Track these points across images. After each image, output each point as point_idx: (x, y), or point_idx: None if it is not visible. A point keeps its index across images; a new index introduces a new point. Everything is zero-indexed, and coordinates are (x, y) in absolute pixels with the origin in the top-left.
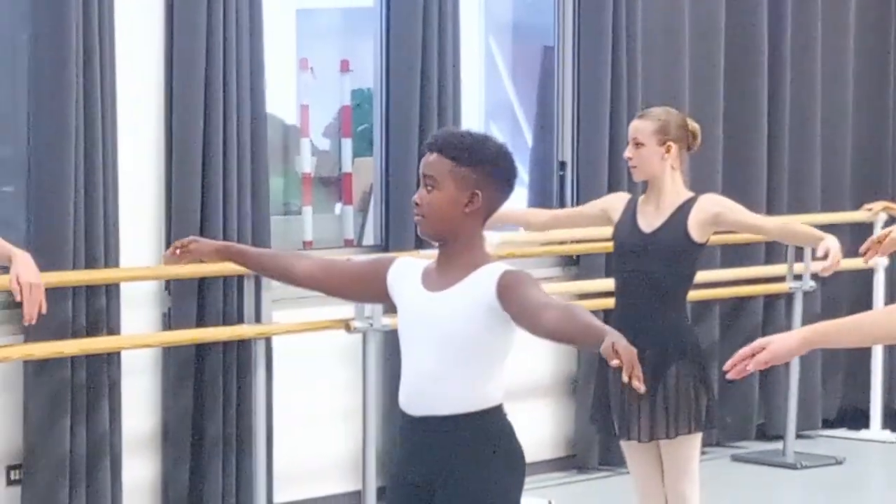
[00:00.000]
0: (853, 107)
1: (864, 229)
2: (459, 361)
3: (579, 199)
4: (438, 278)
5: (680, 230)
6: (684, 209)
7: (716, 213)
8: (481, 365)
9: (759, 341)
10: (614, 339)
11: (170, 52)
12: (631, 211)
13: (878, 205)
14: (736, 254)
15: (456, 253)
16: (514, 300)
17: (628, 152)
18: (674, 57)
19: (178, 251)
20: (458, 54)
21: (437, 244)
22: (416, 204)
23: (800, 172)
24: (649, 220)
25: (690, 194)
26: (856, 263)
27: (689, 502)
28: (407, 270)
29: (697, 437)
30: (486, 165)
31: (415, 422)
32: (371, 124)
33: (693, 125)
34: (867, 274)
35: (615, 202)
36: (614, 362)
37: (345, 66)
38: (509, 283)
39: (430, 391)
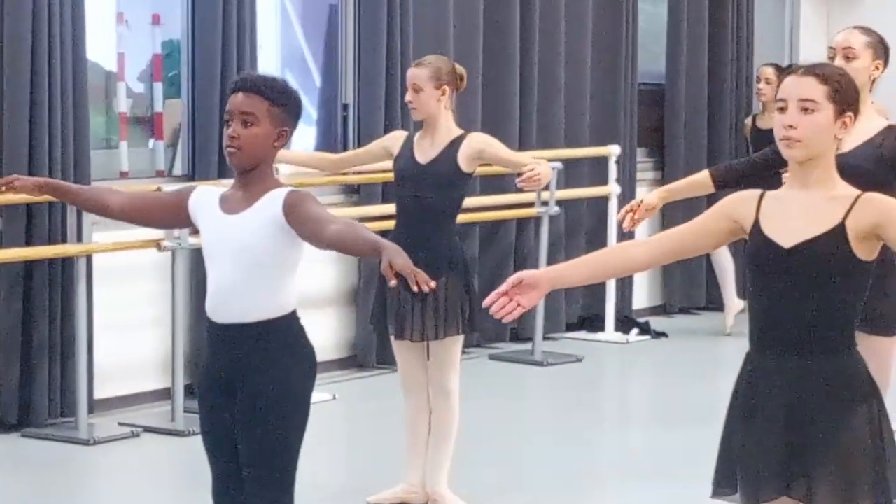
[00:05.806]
0: (591, 61)
1: (601, 163)
2: (255, 274)
3: (360, 137)
4: (236, 202)
5: (451, 161)
6: (455, 144)
7: (480, 150)
8: (275, 277)
9: (515, 276)
10: (391, 257)
11: (1, 8)
12: (409, 146)
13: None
14: (493, 183)
15: (254, 180)
16: (298, 216)
17: (409, 96)
18: (441, 15)
19: (3, 188)
20: (254, 10)
21: (240, 172)
22: (233, 137)
23: (546, 115)
24: (425, 152)
25: (461, 132)
26: (595, 192)
27: (451, 394)
28: (206, 198)
29: (461, 339)
30: (293, 105)
31: (220, 328)
32: (179, 70)
33: (460, 69)
34: (603, 202)
35: (394, 139)
36: (392, 283)
37: (156, 20)
38: (294, 202)
39: (231, 302)
